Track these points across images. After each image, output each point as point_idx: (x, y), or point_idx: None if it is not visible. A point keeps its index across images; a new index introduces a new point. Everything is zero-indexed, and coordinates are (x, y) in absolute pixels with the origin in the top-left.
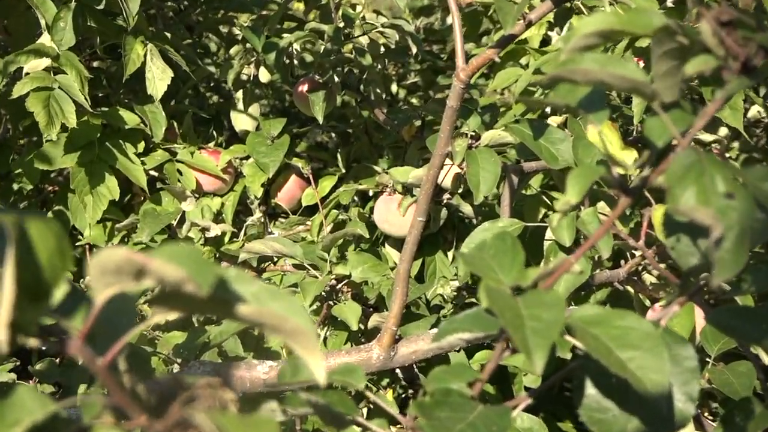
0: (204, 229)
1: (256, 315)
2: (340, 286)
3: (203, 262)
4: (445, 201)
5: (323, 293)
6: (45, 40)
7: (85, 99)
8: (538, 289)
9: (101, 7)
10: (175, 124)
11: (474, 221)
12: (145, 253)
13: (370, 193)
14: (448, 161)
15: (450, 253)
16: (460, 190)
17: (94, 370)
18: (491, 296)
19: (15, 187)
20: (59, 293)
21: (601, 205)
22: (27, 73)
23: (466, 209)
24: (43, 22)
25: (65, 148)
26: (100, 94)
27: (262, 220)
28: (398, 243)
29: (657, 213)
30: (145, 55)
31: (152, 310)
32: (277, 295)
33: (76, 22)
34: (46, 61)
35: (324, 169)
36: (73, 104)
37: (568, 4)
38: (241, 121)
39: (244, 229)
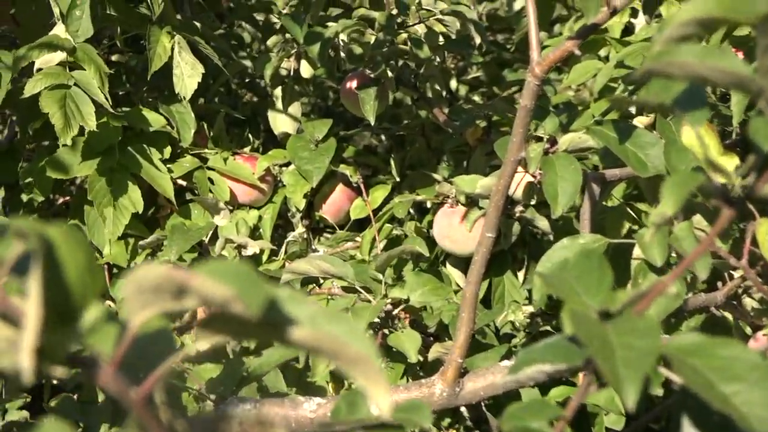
0: (240, 247)
1: (312, 340)
2: (396, 311)
3: (253, 280)
4: (517, 214)
5: (377, 320)
6: (59, 31)
7: (106, 98)
8: (629, 315)
9: None
10: (206, 126)
11: (549, 237)
12: (186, 271)
13: (429, 205)
14: (520, 169)
15: (521, 274)
16: (533, 202)
17: (128, 403)
18: (577, 322)
19: (24, 198)
20: (90, 315)
21: (697, 219)
22: (39, 69)
23: (542, 224)
24: (56, 10)
25: (83, 154)
26: (120, 93)
27: (305, 235)
28: (462, 262)
29: (762, 228)
30: (172, 48)
31: (195, 334)
32: (337, 318)
33: (94, 10)
34: (60, 55)
35: (375, 178)
36: (92, 104)
37: None
38: (280, 123)
39: (284, 246)
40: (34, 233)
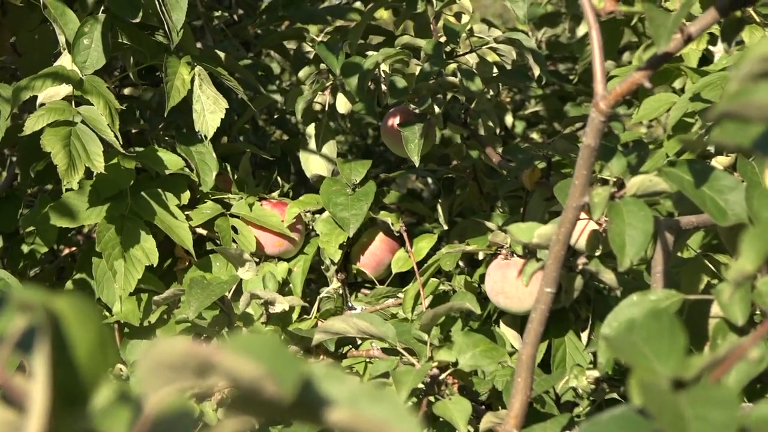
0: (267, 303)
1: (351, 422)
2: (443, 376)
3: (286, 356)
4: (579, 267)
5: (422, 385)
6: (65, 61)
7: (116, 137)
8: (704, 383)
9: (137, 20)
10: (229, 168)
11: (616, 293)
12: (211, 345)
13: (480, 257)
14: (583, 216)
15: (584, 335)
16: (598, 253)
17: None
18: (646, 392)
19: (25, 249)
20: (101, 396)
21: None
22: (42, 104)
23: (608, 277)
24: (62, 39)
25: (90, 199)
26: (133, 130)
27: (341, 291)
28: (517, 321)
29: None
30: (192, 81)
31: (221, 416)
32: (378, 397)
33: (104, 39)
34: (66, 89)
35: (420, 226)
36: (100, 143)
37: (738, 13)
38: (313, 164)
39: (317, 302)
40: (39, 305)
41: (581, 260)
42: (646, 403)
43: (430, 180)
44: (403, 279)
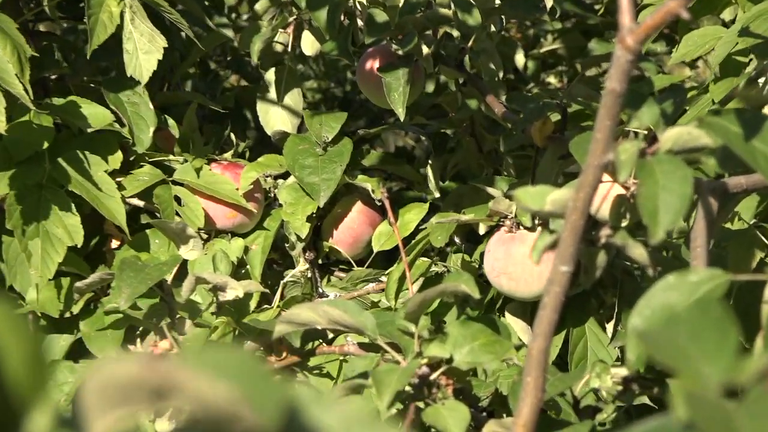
0: (217, 289)
1: None
2: (435, 376)
3: (266, 377)
4: (602, 240)
5: (409, 388)
6: None
7: (26, 90)
8: (761, 390)
9: None
10: (171, 122)
11: (649, 273)
12: (171, 363)
13: (481, 230)
14: (606, 177)
15: (610, 325)
16: (625, 223)
17: None
18: (694, 404)
19: None
20: (37, 423)
21: None
22: None
23: (637, 253)
24: None
25: None
26: (52, 77)
27: (310, 274)
28: (526, 308)
29: None
30: (122, 15)
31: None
32: (371, 425)
33: None
34: None
35: (407, 193)
36: (1, 97)
37: None
38: (274, 118)
39: (280, 288)
40: None
41: (604, 232)
42: (694, 417)
43: (422, 137)
44: (387, 259)
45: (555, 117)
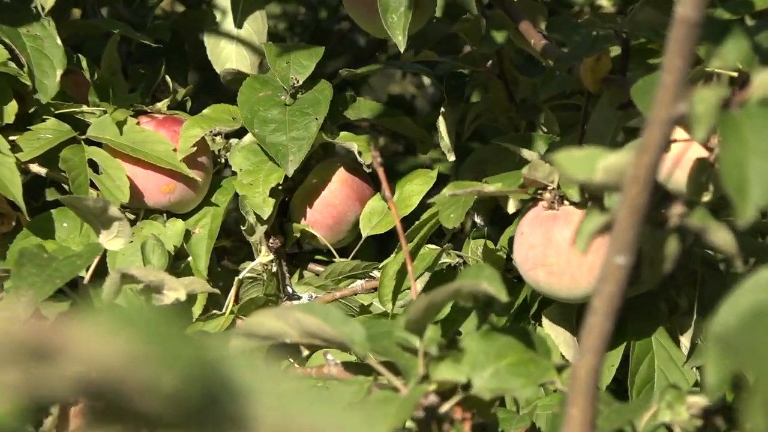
0: (150, 290)
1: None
2: (447, 408)
3: (173, 334)
4: (675, 221)
5: (411, 423)
6: None
7: None
8: None
9: None
10: (84, 62)
11: (737, 265)
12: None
13: (510, 207)
14: (683, 134)
15: (685, 338)
16: (707, 197)
17: None
18: None
19: None
20: None
21: None
22: None
23: (721, 238)
24: None
25: None
26: None
27: (275, 268)
28: (571, 314)
29: None
30: None
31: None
32: (306, 396)
33: None
34: None
35: (408, 158)
36: None
37: None
38: (226, 54)
39: (235, 287)
40: None
41: (677, 210)
42: None
43: (426, 79)
44: (381, 247)
45: (613, 52)
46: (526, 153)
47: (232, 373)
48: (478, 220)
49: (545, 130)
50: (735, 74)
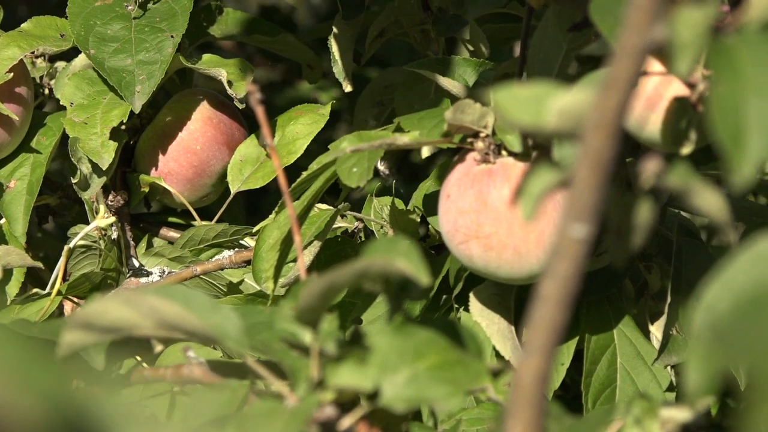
0: None
1: None
2: (348, 423)
3: (36, 365)
4: (648, 180)
5: None
6: None
7: None
8: None
9: None
10: None
11: (728, 236)
12: None
13: (425, 151)
14: (657, 66)
15: (656, 327)
16: (689, 149)
17: None
18: None
19: None
20: None
21: None
22: None
23: (707, 200)
24: None
25: None
26: None
27: (115, 233)
28: (508, 297)
29: None
30: None
31: None
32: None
33: None
34: None
35: (291, 87)
36: None
37: None
38: None
39: (63, 259)
40: None
41: (652, 165)
42: None
43: None
44: (255, 207)
45: None
46: (446, 83)
47: (90, 409)
48: (381, 167)
49: (471, 48)
50: None
